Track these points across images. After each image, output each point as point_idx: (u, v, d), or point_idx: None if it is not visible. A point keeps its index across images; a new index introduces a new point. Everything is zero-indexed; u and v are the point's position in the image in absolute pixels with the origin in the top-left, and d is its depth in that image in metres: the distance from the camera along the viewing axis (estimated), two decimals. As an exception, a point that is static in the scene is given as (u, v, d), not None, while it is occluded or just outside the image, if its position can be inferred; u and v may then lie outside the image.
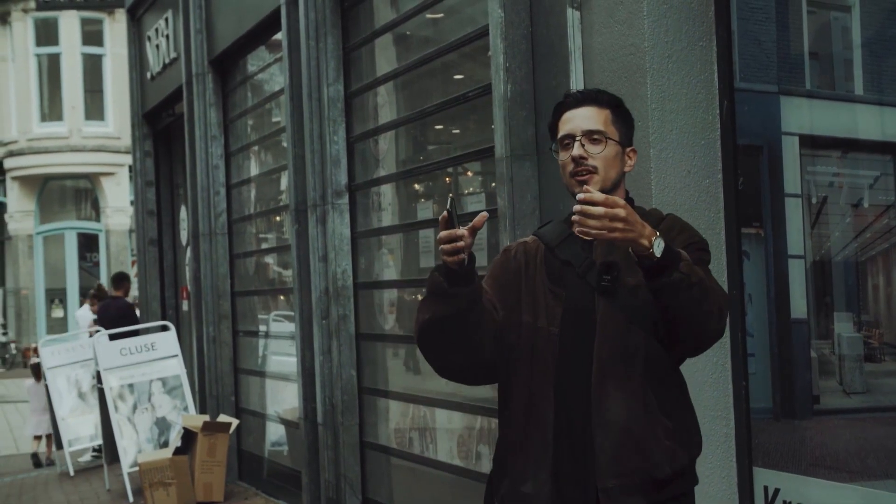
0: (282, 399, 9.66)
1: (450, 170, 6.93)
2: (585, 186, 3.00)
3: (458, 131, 6.99)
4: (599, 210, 2.85)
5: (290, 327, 9.17)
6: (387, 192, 7.67)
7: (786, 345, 4.52)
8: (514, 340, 3.22)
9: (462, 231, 2.96)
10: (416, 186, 7.43)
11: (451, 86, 6.76)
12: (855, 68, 4.31)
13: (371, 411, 7.83)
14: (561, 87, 4.96)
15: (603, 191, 3.10)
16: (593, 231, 2.87)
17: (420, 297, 3.24)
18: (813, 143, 4.46)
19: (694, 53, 4.58)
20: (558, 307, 3.18)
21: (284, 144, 8.84)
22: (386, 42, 7.63)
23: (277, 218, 9.93)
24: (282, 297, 9.91)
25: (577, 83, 4.86)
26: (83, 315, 15.29)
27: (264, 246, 10.36)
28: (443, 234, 2.97)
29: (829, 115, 4.44)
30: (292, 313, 8.76)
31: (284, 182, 9.28)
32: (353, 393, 7.85)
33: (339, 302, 7.82)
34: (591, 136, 3.19)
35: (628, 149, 3.27)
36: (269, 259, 10.28)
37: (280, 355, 9.78)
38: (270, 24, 9.00)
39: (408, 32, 7.40)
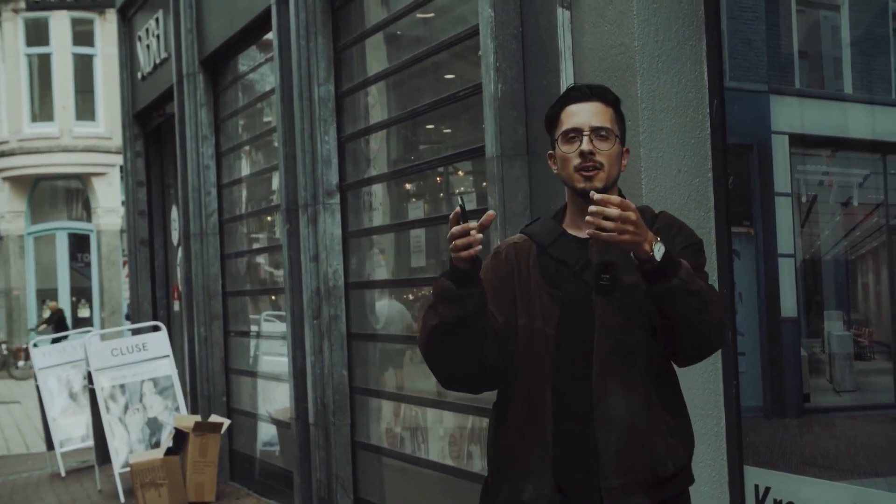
0: (273, 399, 9.65)
1: (441, 169, 6.93)
2: (593, 193, 2.96)
3: (448, 131, 6.99)
4: (615, 212, 2.87)
5: (281, 327, 9.16)
6: (378, 191, 7.66)
7: (776, 343, 4.52)
8: (514, 345, 3.19)
9: (475, 224, 2.94)
10: (408, 186, 7.43)
11: (441, 85, 6.76)
12: (844, 67, 4.32)
13: (362, 411, 7.83)
14: (551, 87, 4.97)
15: (605, 188, 3.14)
16: (605, 233, 2.88)
17: (421, 305, 3.20)
18: (803, 142, 4.47)
19: (684, 53, 4.59)
20: (555, 308, 3.16)
21: (275, 144, 8.84)
22: (377, 42, 7.63)
23: (268, 218, 9.92)
24: (273, 298, 9.90)
25: (567, 82, 4.86)
26: None
27: (255, 246, 10.35)
28: (456, 228, 2.93)
29: (818, 113, 4.45)
30: (283, 313, 8.75)
31: (275, 182, 9.27)
32: (345, 393, 7.85)
33: (330, 302, 7.82)
34: (599, 132, 3.17)
35: (624, 149, 3.27)
36: (261, 259, 10.28)
37: (271, 355, 9.77)
38: (261, 23, 9.00)
39: (398, 32, 7.40)
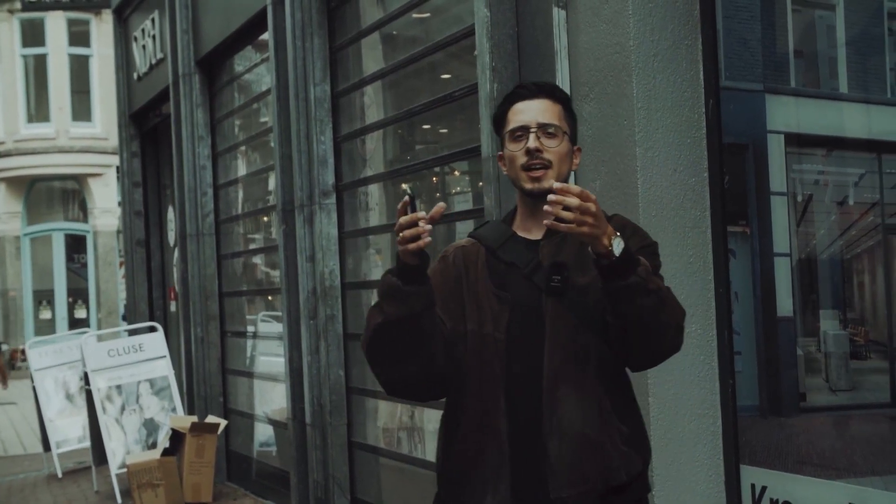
0: (270, 399, 9.65)
1: (437, 169, 6.93)
2: (553, 182, 2.88)
3: (444, 131, 6.99)
4: (575, 201, 2.77)
5: (277, 328, 9.16)
6: (374, 191, 7.67)
7: (772, 343, 4.52)
8: (462, 351, 3.08)
9: (421, 214, 2.83)
10: (404, 186, 7.41)
11: (437, 85, 6.76)
12: (840, 66, 4.32)
13: (359, 411, 7.83)
14: (547, 87, 4.96)
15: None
16: (564, 224, 2.77)
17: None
18: (798, 142, 4.47)
19: (679, 52, 4.59)
20: (504, 312, 3.06)
21: (271, 144, 8.83)
22: (372, 42, 7.63)
23: (265, 218, 9.92)
24: (269, 298, 9.90)
25: (563, 82, 4.86)
26: None
27: (252, 246, 10.35)
28: (404, 218, 2.83)
29: (814, 113, 4.45)
30: (280, 314, 8.75)
31: (271, 182, 9.27)
32: (342, 393, 7.85)
33: (326, 302, 7.82)
34: (547, 129, 3.09)
35: (575, 147, 3.19)
36: (257, 259, 10.27)
37: (268, 356, 9.77)
38: (257, 24, 8.99)
39: (394, 32, 7.40)
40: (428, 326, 2.99)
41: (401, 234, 2.85)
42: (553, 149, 3.08)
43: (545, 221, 2.82)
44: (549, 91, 3.16)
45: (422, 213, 2.83)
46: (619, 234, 2.84)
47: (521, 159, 3.08)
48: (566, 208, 2.77)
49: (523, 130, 3.09)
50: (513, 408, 3.02)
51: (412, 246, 2.84)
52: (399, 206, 2.86)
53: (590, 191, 2.95)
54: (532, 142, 3.07)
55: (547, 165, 3.07)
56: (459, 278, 3.15)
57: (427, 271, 2.96)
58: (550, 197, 2.78)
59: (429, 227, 2.84)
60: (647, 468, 3.12)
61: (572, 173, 3.28)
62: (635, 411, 3.13)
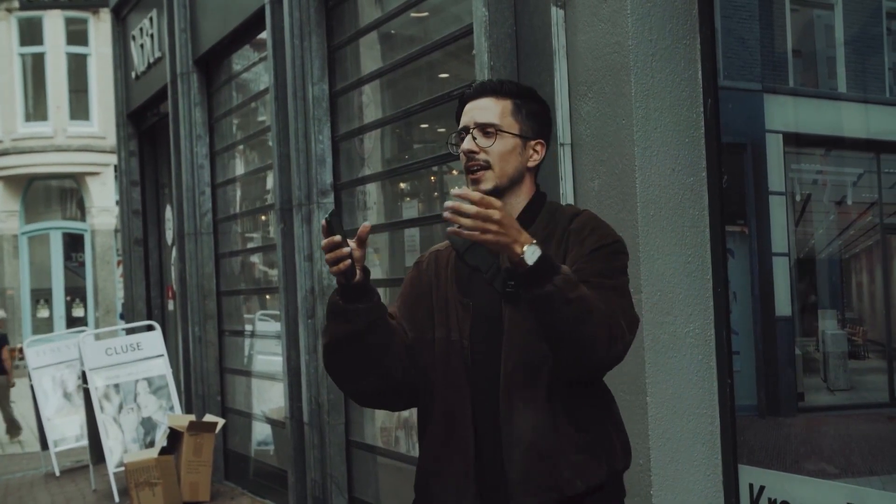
0: (268, 398, 9.64)
1: (435, 169, 6.93)
2: (453, 189, 2.83)
3: (443, 130, 6.99)
4: (472, 209, 2.67)
5: (275, 327, 9.15)
6: (372, 190, 7.66)
7: (770, 342, 4.52)
8: (429, 359, 3.05)
9: (337, 239, 2.81)
10: (402, 185, 7.42)
11: (435, 84, 6.76)
12: (838, 66, 4.32)
13: (357, 410, 7.82)
14: (546, 86, 4.96)
15: (499, 187, 3.00)
16: (465, 231, 2.69)
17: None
18: (797, 141, 4.47)
19: (678, 51, 4.59)
20: (467, 318, 3.01)
21: (269, 144, 8.83)
22: (371, 41, 7.63)
23: (263, 217, 9.92)
24: (267, 297, 9.89)
25: (561, 81, 4.86)
26: None
27: (250, 245, 10.34)
28: (323, 242, 2.83)
29: (812, 112, 4.45)
30: (278, 313, 8.74)
31: (270, 181, 9.26)
32: (339, 392, 7.84)
33: (324, 301, 7.81)
34: (485, 129, 3.02)
35: (533, 142, 3.07)
36: (255, 258, 10.27)
37: (266, 355, 9.77)
38: (255, 23, 8.99)
39: (392, 31, 7.39)
40: (377, 342, 2.97)
41: (325, 258, 2.85)
42: (489, 148, 3.01)
43: (448, 230, 2.75)
44: (492, 88, 3.08)
45: (337, 238, 2.82)
46: (534, 241, 2.73)
47: (463, 160, 3.05)
48: (466, 216, 2.68)
49: (464, 131, 3.06)
50: (476, 416, 2.98)
51: (333, 269, 2.85)
52: (321, 228, 2.86)
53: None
54: (466, 143, 3.03)
55: (485, 166, 3.01)
56: (430, 285, 3.13)
57: (367, 288, 2.94)
58: (447, 203, 2.71)
59: (347, 249, 2.82)
60: (617, 476, 3.03)
61: (524, 169, 3.11)
62: (602, 418, 3.02)
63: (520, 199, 3.07)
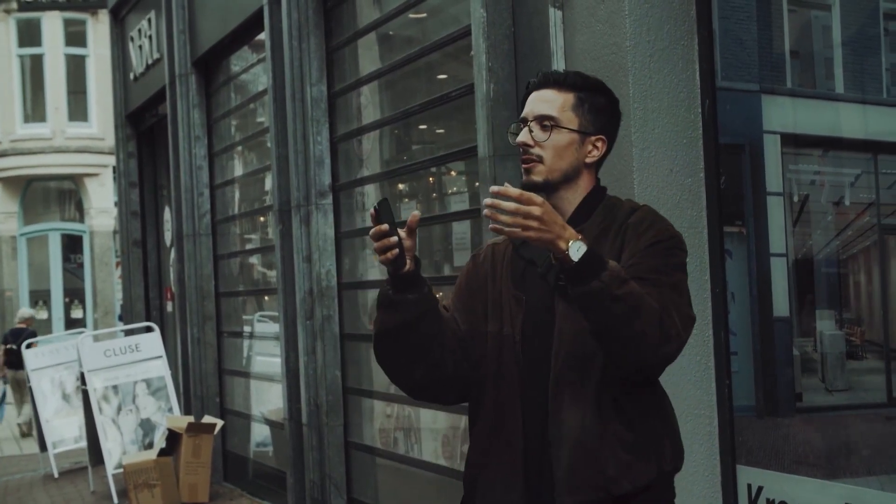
0: (266, 400, 9.65)
1: (433, 170, 6.93)
2: (492, 187, 2.74)
3: (441, 131, 6.99)
4: (511, 205, 2.64)
5: (274, 328, 9.15)
6: (370, 192, 7.66)
7: (768, 343, 4.53)
8: (482, 353, 3.03)
9: (385, 227, 2.79)
10: (400, 186, 7.43)
11: (434, 86, 6.76)
12: (836, 67, 4.33)
13: (356, 411, 7.83)
14: (543, 87, 4.96)
15: (550, 181, 2.97)
16: (505, 228, 2.66)
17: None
18: (794, 142, 4.48)
19: (676, 52, 4.59)
20: (519, 312, 2.99)
21: (268, 145, 8.83)
22: (369, 42, 7.63)
23: (261, 218, 9.92)
24: (266, 298, 9.90)
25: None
26: None
27: (248, 247, 10.35)
28: (371, 232, 2.82)
29: (810, 113, 4.46)
30: (276, 314, 8.75)
31: (268, 182, 9.27)
32: (338, 393, 7.84)
33: (323, 302, 7.82)
34: (542, 121, 2.97)
35: (593, 137, 3.01)
36: (254, 260, 10.27)
37: (264, 356, 9.77)
38: (253, 24, 8.99)
39: (391, 32, 7.40)
40: (427, 332, 2.96)
41: (374, 246, 2.84)
42: (544, 142, 2.96)
43: (490, 226, 2.72)
44: (555, 80, 3.02)
45: (385, 227, 2.81)
46: (580, 237, 2.71)
47: (520, 150, 3.01)
48: (505, 212, 2.66)
49: (523, 122, 3.01)
50: (527, 412, 2.95)
51: (382, 258, 2.84)
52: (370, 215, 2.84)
53: None
54: (521, 135, 2.99)
55: (537, 160, 2.97)
56: (486, 279, 3.10)
57: (419, 278, 2.92)
58: (486, 200, 2.69)
59: (394, 239, 2.81)
60: (667, 477, 2.97)
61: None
62: (654, 417, 2.96)
63: (576, 195, 3.02)
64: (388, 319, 2.96)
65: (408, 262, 2.89)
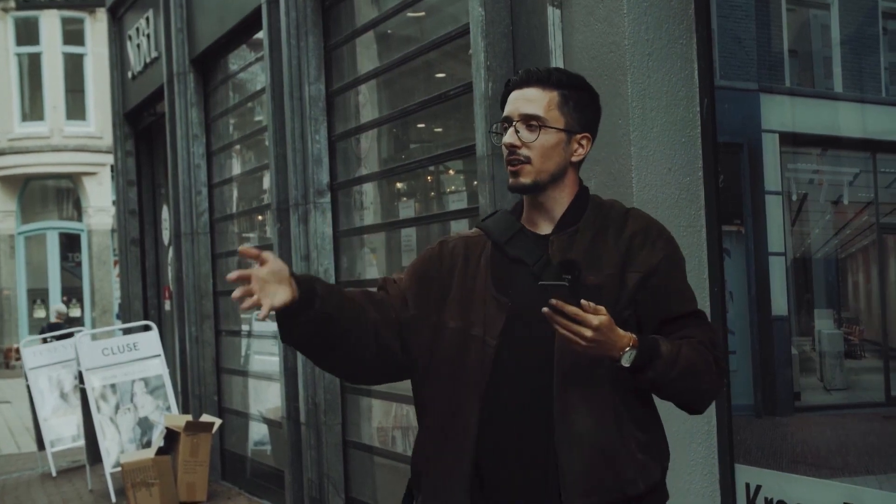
0: (264, 398, 9.64)
1: (431, 168, 6.93)
2: (556, 301, 2.66)
3: (439, 130, 6.99)
4: (588, 333, 2.65)
5: (272, 326, 9.15)
6: (369, 190, 7.66)
7: (767, 342, 4.53)
8: (433, 344, 2.94)
9: (234, 275, 2.80)
10: (398, 185, 7.42)
11: (432, 84, 6.76)
12: (834, 66, 4.32)
13: (354, 410, 7.83)
14: (542, 86, 4.96)
15: (538, 182, 2.89)
16: (561, 330, 2.66)
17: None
18: (793, 141, 4.47)
19: (674, 51, 4.59)
20: (500, 316, 2.86)
21: (266, 143, 8.83)
22: (367, 41, 7.63)
23: (259, 217, 9.92)
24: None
25: (557, 81, 4.85)
26: None
27: (246, 245, 10.32)
28: (234, 294, 2.81)
29: (809, 112, 4.46)
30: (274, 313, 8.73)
31: (266, 181, 9.26)
32: (336, 392, 7.84)
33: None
34: (529, 121, 2.88)
35: (579, 136, 2.93)
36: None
37: (262, 355, 9.76)
38: (252, 23, 8.99)
39: (389, 31, 7.39)
40: (334, 332, 2.93)
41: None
42: (532, 143, 2.88)
43: (544, 310, 2.68)
44: (539, 77, 2.92)
45: (234, 276, 2.81)
46: (633, 345, 2.72)
47: (505, 152, 2.91)
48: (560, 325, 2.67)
49: (508, 122, 2.92)
50: (488, 416, 2.85)
51: (245, 305, 2.82)
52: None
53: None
54: (507, 136, 2.90)
55: (525, 161, 2.88)
56: (452, 270, 2.98)
57: (305, 297, 2.87)
58: (545, 312, 2.66)
59: (255, 285, 2.81)
60: (665, 475, 2.99)
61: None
62: (653, 416, 2.96)
63: (563, 195, 2.95)
64: (286, 337, 2.94)
65: (280, 294, 2.83)
